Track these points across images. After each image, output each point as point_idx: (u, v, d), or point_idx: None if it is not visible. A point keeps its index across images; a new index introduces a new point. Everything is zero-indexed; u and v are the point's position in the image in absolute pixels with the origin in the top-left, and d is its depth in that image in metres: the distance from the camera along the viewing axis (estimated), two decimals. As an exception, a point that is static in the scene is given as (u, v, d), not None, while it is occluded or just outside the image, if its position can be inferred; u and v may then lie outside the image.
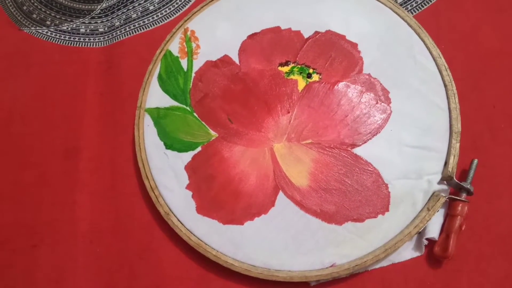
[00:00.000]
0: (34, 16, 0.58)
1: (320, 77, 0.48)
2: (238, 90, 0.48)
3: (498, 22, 0.50)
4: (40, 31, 0.57)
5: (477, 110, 0.47)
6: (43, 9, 0.58)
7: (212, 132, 0.47)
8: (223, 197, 0.45)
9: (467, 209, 0.42)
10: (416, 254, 0.43)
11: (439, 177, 0.43)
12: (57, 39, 0.57)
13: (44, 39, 0.57)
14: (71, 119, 0.53)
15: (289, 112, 0.47)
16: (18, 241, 0.49)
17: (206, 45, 0.51)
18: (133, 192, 0.49)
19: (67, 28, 0.57)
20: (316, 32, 0.49)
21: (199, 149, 0.47)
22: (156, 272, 0.46)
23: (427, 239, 0.43)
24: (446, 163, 0.44)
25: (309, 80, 0.48)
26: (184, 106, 0.49)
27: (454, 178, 0.43)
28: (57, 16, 0.58)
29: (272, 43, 0.49)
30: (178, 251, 0.46)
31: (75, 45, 0.57)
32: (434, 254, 0.42)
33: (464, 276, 0.42)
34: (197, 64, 0.50)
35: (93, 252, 0.47)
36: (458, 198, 0.42)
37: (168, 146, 0.48)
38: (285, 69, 0.48)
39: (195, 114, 0.48)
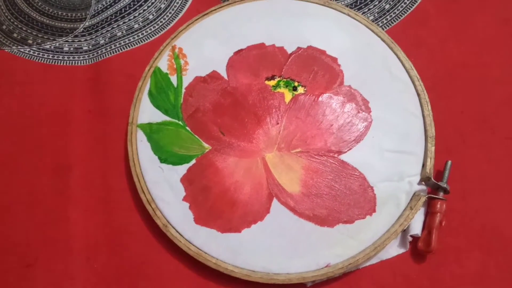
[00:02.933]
0: (15, 35, 0.58)
1: (305, 89, 0.51)
2: (228, 104, 0.51)
3: (460, 37, 0.55)
4: (22, 50, 0.57)
5: (447, 116, 0.51)
6: (23, 28, 0.58)
7: (205, 145, 0.49)
8: (220, 207, 0.47)
9: (445, 206, 0.46)
10: (401, 250, 0.47)
11: (418, 178, 0.47)
12: (40, 58, 0.57)
13: (26, 58, 0.57)
14: (59, 137, 0.53)
15: (278, 123, 0.49)
16: (11, 262, 0.48)
17: (194, 61, 0.53)
18: (127, 207, 0.50)
19: (50, 46, 0.57)
20: (299, 48, 0.53)
21: (193, 161, 0.49)
22: (156, 285, 0.47)
23: (411, 235, 0.46)
24: (423, 165, 0.48)
25: (295, 92, 0.51)
26: (176, 121, 0.50)
27: (432, 179, 0.47)
28: (39, 35, 0.58)
29: (258, 59, 0.52)
30: (177, 262, 0.47)
31: (59, 63, 0.57)
32: (418, 249, 0.46)
33: (445, 268, 0.46)
34: (187, 80, 0.52)
35: (90, 269, 0.47)
36: (436, 196, 0.46)
37: (163, 160, 0.49)
38: (272, 83, 0.51)
39: (187, 128, 0.50)
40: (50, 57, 0.57)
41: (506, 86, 0.53)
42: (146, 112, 0.51)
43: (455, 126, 0.51)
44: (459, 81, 0.53)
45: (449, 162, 0.48)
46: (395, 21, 0.56)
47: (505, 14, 0.56)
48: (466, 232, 0.47)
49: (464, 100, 0.52)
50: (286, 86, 0.51)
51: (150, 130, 0.50)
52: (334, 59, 0.52)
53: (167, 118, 0.51)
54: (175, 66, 0.53)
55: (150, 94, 0.52)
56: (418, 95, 0.50)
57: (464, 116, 0.52)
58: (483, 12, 0.56)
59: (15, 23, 0.59)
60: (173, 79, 0.52)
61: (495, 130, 0.51)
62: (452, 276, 0.45)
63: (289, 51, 0.52)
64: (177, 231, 0.46)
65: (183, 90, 0.52)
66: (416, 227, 0.46)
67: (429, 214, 0.47)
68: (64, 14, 0.59)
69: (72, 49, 0.57)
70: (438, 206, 0.46)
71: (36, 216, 0.50)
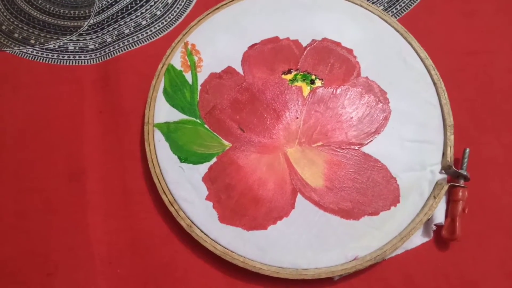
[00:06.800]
0: (16, 35, 0.55)
1: (322, 82, 0.50)
2: (246, 100, 0.50)
3: (469, 25, 0.56)
4: (25, 50, 0.55)
5: (460, 104, 0.51)
6: (25, 28, 0.56)
7: (225, 142, 0.48)
8: (244, 205, 0.46)
9: (466, 194, 0.47)
10: (425, 239, 0.47)
11: (439, 167, 0.48)
12: (45, 58, 0.55)
13: (30, 58, 0.55)
14: (71, 140, 0.51)
15: (297, 118, 0.49)
16: (31, 272, 0.46)
17: (208, 57, 0.52)
18: (148, 209, 0.49)
19: (54, 46, 0.55)
20: (313, 40, 0.52)
21: (214, 160, 0.48)
22: (182, 286, 0.46)
23: (435, 224, 0.47)
24: (444, 154, 0.48)
25: (312, 86, 0.50)
26: (194, 119, 0.49)
27: (453, 167, 0.47)
28: (41, 34, 0.56)
29: (273, 53, 0.52)
30: (203, 262, 0.46)
31: (64, 63, 0.55)
32: (442, 237, 0.46)
33: (470, 254, 0.46)
34: (202, 77, 0.51)
35: (114, 274, 0.46)
36: (458, 184, 0.47)
37: (183, 159, 0.48)
38: (288, 77, 0.51)
39: (206, 125, 0.49)
40: (55, 57, 0.55)
41: (516, 72, 0.54)
42: (162, 111, 0.50)
43: (468, 114, 0.52)
44: (470, 69, 0.54)
45: (468, 150, 0.48)
46: (404, 11, 0.56)
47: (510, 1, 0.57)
48: (488, 218, 0.47)
49: (476, 88, 0.53)
50: (304, 80, 0.50)
51: (168, 129, 0.49)
52: (350, 51, 0.51)
53: (184, 117, 0.49)
54: (189, 63, 0.51)
55: (165, 92, 0.50)
56: (435, 84, 0.50)
57: (477, 103, 0.52)
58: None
59: (15, 22, 0.56)
60: (188, 76, 0.51)
61: (508, 116, 0.51)
62: (477, 262, 0.46)
63: (304, 44, 0.52)
64: (202, 231, 0.46)
65: (199, 87, 0.51)
66: (439, 215, 0.47)
67: (451, 202, 0.47)
68: (67, 12, 0.57)
69: (77, 48, 0.55)
70: (460, 193, 0.47)
71: (53, 223, 0.48)
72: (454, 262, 0.46)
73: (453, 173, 0.48)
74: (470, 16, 0.56)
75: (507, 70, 0.54)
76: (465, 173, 0.47)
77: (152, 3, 0.57)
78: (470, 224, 0.47)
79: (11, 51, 0.56)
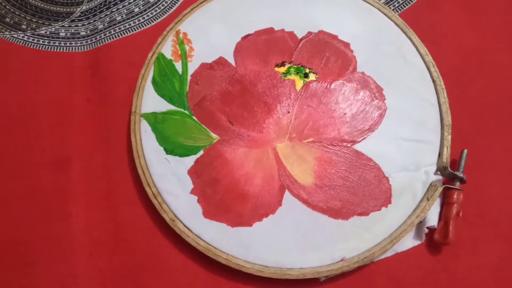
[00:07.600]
0: (7, 20, 0.54)
1: (316, 76, 0.49)
2: (236, 92, 0.48)
3: (474, 21, 0.53)
4: (16, 35, 0.54)
5: (461, 103, 0.49)
6: (16, 13, 0.55)
7: (213, 135, 0.47)
8: (229, 200, 0.45)
9: (462, 196, 0.45)
10: (417, 242, 0.45)
11: (434, 168, 0.46)
12: (35, 44, 0.54)
13: (20, 44, 0.54)
14: (57, 128, 0.50)
15: (289, 112, 0.47)
16: (12, 260, 0.46)
17: (200, 47, 0.50)
18: (131, 200, 0.48)
19: (46, 32, 0.54)
20: (309, 33, 0.50)
21: (201, 152, 0.46)
22: (163, 281, 0.45)
23: (427, 227, 0.45)
24: (440, 155, 0.46)
25: (306, 79, 0.48)
26: (182, 110, 0.48)
27: (449, 168, 0.45)
28: (33, 20, 0.55)
29: (266, 44, 0.50)
30: (185, 257, 0.45)
31: (55, 49, 0.54)
32: (434, 241, 0.44)
33: (462, 260, 0.44)
34: (192, 67, 0.49)
35: (94, 266, 0.46)
36: (453, 187, 0.45)
37: (169, 151, 0.47)
38: (282, 69, 0.49)
39: (194, 117, 0.48)
40: (46, 43, 0.54)
41: (522, 72, 0.51)
42: (150, 101, 0.48)
43: (470, 114, 0.49)
44: (473, 67, 0.51)
45: (465, 151, 0.46)
46: (406, 5, 0.54)
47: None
48: (483, 223, 0.46)
49: (479, 87, 0.50)
50: (297, 73, 0.49)
51: (155, 120, 0.48)
52: (347, 45, 0.49)
53: (172, 107, 0.48)
54: (179, 52, 0.50)
55: (154, 81, 0.49)
56: (434, 81, 0.48)
57: (479, 103, 0.50)
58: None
59: (7, 7, 0.55)
60: (178, 66, 0.50)
61: (511, 118, 0.49)
62: (470, 268, 0.44)
63: (299, 36, 0.50)
64: (185, 226, 0.44)
65: (189, 78, 0.49)
66: (432, 218, 0.45)
67: (445, 204, 0.45)
68: (59, -3, 0.56)
69: (69, 34, 0.54)
70: (455, 196, 0.45)
71: (36, 212, 0.47)
72: (445, 268, 0.44)
73: (448, 174, 0.46)
74: (475, 13, 0.54)
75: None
76: (461, 175, 0.45)
77: (146, -10, 0.56)
78: (464, 228, 0.45)
79: (1, 36, 0.55)
